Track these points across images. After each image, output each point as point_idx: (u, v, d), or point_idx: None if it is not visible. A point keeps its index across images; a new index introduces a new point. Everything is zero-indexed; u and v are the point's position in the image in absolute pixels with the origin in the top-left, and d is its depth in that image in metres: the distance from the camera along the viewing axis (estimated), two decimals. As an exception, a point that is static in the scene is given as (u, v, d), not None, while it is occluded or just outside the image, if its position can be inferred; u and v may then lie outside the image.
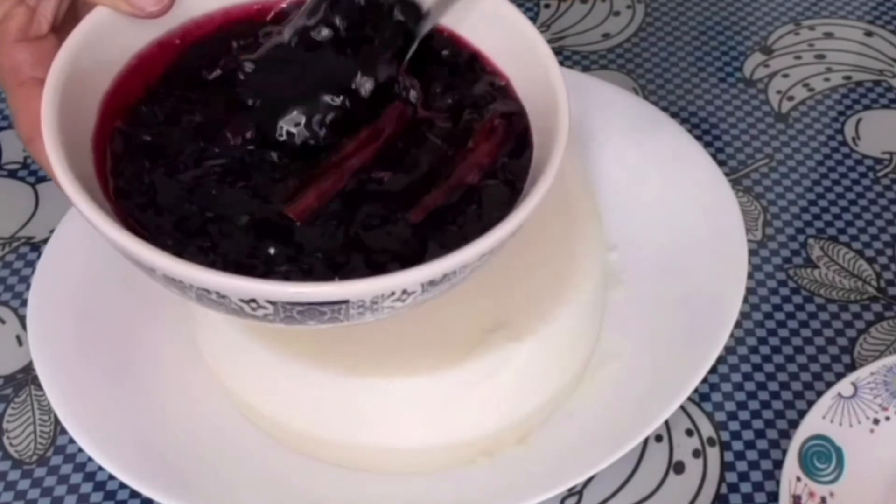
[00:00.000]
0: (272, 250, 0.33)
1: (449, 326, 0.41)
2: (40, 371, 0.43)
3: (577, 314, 0.43)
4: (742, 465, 0.45)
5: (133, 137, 0.37)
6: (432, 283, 0.32)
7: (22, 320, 0.50)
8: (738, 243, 0.47)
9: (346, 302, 0.32)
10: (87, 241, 0.47)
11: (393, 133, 0.38)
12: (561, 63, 0.62)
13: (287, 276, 0.33)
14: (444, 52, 0.40)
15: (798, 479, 0.41)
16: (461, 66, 0.40)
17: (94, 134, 0.36)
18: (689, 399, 0.47)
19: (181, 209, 0.35)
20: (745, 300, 0.50)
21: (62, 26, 0.38)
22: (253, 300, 0.31)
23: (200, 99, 0.38)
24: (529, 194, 0.34)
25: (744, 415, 0.46)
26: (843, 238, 0.53)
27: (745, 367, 0.48)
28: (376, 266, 0.34)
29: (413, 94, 0.39)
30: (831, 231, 0.54)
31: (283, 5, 0.41)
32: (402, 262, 0.33)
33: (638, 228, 0.50)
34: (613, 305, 0.48)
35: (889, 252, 0.53)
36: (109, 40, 0.37)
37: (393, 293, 0.32)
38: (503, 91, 0.39)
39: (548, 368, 0.43)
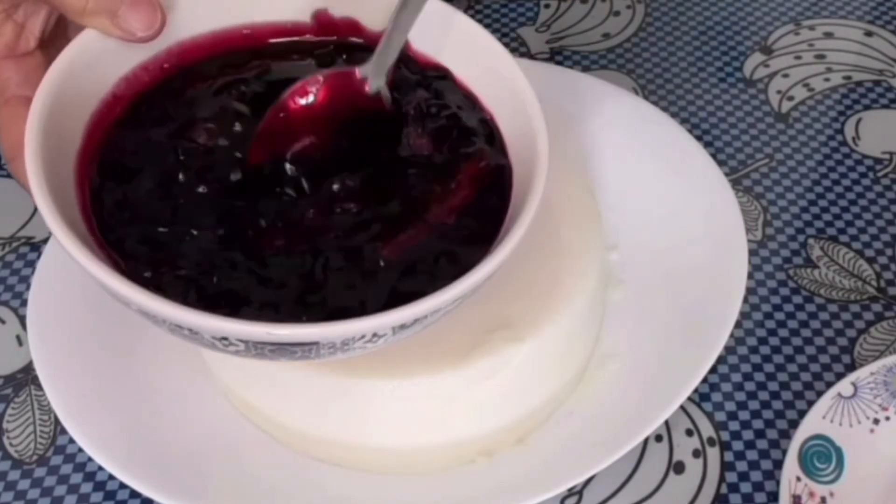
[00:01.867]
0: (245, 285, 0.33)
1: (448, 327, 0.41)
2: (40, 371, 0.43)
3: (577, 315, 0.43)
4: (742, 465, 0.45)
5: (115, 162, 0.37)
6: (403, 326, 0.33)
7: (22, 320, 0.50)
8: (737, 243, 0.47)
9: (316, 343, 0.32)
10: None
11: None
12: (561, 63, 0.63)
13: (259, 312, 0.33)
14: (432, 84, 0.40)
15: (798, 479, 0.41)
16: (450, 96, 0.40)
17: (78, 157, 0.36)
18: (689, 399, 0.47)
19: (158, 237, 0.35)
20: (745, 300, 0.50)
21: (49, 42, 0.38)
22: (225, 338, 0.32)
23: (184, 123, 0.38)
24: (503, 242, 0.34)
25: (744, 415, 0.46)
26: (843, 238, 0.53)
27: (745, 367, 0.48)
28: (345, 307, 0.33)
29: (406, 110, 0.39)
30: (831, 231, 0.54)
31: (271, 40, 0.41)
32: (374, 302, 0.33)
33: (638, 229, 0.50)
34: (613, 306, 0.48)
35: (889, 252, 0.53)
36: (97, 63, 0.37)
37: (363, 336, 0.32)
38: (489, 129, 0.39)
39: (547, 369, 0.43)
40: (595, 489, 0.44)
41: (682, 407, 0.46)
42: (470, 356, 0.40)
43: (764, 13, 0.66)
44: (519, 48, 0.64)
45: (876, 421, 0.44)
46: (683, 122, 0.59)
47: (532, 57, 0.63)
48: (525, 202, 0.35)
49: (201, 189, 0.36)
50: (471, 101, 0.40)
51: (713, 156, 0.57)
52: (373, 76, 0.38)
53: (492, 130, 0.39)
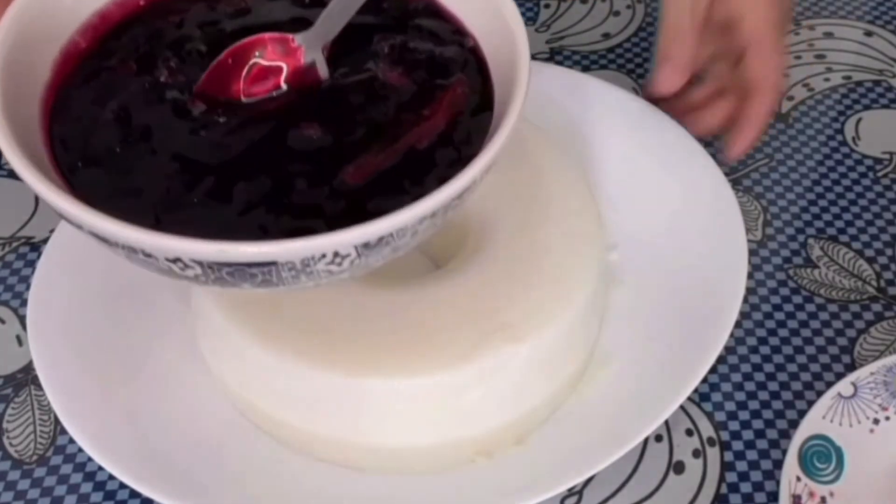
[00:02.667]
0: (203, 211, 0.33)
1: (448, 327, 0.41)
2: (40, 371, 0.43)
3: (577, 315, 0.43)
4: (742, 465, 0.45)
5: (79, 95, 0.37)
6: (367, 245, 0.31)
7: (22, 320, 0.50)
8: (737, 243, 0.47)
9: (274, 263, 0.31)
10: (87, 240, 0.47)
11: (343, 94, 0.37)
12: (561, 63, 0.63)
13: (218, 235, 0.31)
14: (414, 15, 0.40)
15: (798, 478, 0.41)
16: (432, 28, 0.39)
17: (45, 90, 0.36)
18: (689, 399, 0.47)
19: (117, 165, 0.35)
20: (745, 300, 0.50)
21: None
22: (178, 259, 0.31)
23: (150, 53, 0.38)
24: (475, 160, 0.33)
25: (744, 415, 0.46)
26: (843, 238, 0.53)
27: (745, 367, 0.48)
28: (307, 227, 0.32)
29: (381, 49, 0.39)
30: (831, 231, 0.54)
31: None
32: (337, 224, 0.32)
33: (638, 228, 0.50)
34: (613, 305, 0.48)
35: (889, 252, 0.53)
36: (54, 13, 0.37)
37: (324, 255, 0.31)
38: (471, 54, 0.39)
39: (547, 369, 0.43)
40: (595, 489, 0.44)
41: (681, 407, 0.46)
42: (470, 356, 0.40)
43: (764, 13, 0.66)
44: None
45: (876, 421, 0.44)
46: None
47: (532, 57, 0.63)
48: (499, 127, 0.34)
49: (161, 120, 0.36)
50: (455, 27, 0.39)
51: (713, 156, 0.57)
52: (308, 47, 0.38)
53: (474, 58, 0.38)
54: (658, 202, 0.50)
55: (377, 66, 0.38)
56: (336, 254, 0.31)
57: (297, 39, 0.38)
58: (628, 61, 0.63)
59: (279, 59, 0.38)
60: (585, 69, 0.62)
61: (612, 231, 0.49)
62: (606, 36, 0.65)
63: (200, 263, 0.31)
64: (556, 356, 0.43)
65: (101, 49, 0.39)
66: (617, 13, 0.67)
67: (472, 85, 0.38)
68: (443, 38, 0.39)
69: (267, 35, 0.38)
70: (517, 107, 0.34)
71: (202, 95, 0.37)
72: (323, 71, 0.38)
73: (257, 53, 0.38)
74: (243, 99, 0.37)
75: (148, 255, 0.31)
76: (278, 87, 0.38)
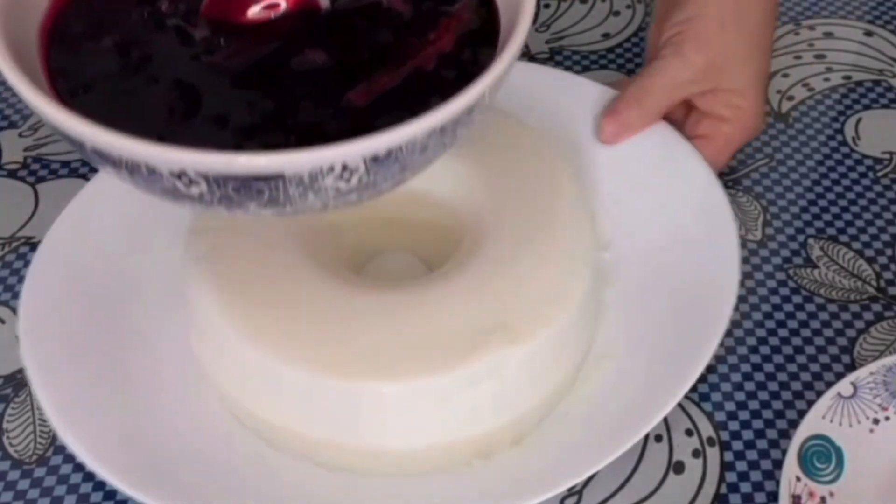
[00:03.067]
0: (207, 129, 0.33)
1: (444, 329, 0.41)
2: (33, 377, 0.43)
3: (572, 316, 0.43)
4: (742, 465, 0.45)
5: (76, 20, 0.37)
6: (376, 159, 0.31)
7: (22, 320, 0.50)
8: (729, 242, 0.47)
9: (281, 177, 0.30)
10: (79, 241, 0.47)
11: (347, 18, 0.37)
12: (561, 63, 0.63)
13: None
14: None
15: (798, 478, 0.41)
16: None
17: (44, 17, 0.36)
18: (689, 399, 0.47)
19: (117, 88, 0.34)
20: (745, 300, 0.50)
21: None
22: (184, 173, 0.30)
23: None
24: (483, 75, 0.32)
25: (744, 415, 0.46)
26: (843, 238, 0.53)
27: (745, 367, 0.48)
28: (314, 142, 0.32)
29: None
30: (831, 231, 0.54)
31: None
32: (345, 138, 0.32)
33: (631, 228, 0.49)
34: (607, 305, 0.47)
35: (889, 252, 0.53)
36: None
37: (332, 168, 0.31)
38: None
39: (543, 370, 0.43)
40: (595, 489, 0.44)
41: (681, 407, 0.46)
42: (465, 358, 0.40)
43: (764, 13, 0.66)
44: None
45: (876, 421, 0.44)
46: (683, 121, 0.59)
47: (532, 57, 0.63)
48: (506, 45, 0.34)
49: (161, 47, 0.36)
50: None
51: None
52: None
53: None
54: (650, 202, 0.50)
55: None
56: (345, 167, 0.31)
57: None
58: (628, 61, 0.63)
59: None
60: (585, 69, 0.62)
61: (605, 231, 0.49)
62: (606, 36, 0.65)
63: (206, 178, 0.30)
64: (551, 357, 0.43)
65: None
66: (617, 13, 0.67)
67: (476, 10, 0.37)
68: None
69: None
70: (524, 27, 0.35)
71: (204, 20, 0.37)
72: (324, 2, 0.38)
73: None
74: (246, 20, 0.37)
75: (152, 171, 0.30)
76: (279, 11, 0.37)
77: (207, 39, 0.36)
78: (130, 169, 0.31)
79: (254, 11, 0.37)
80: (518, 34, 0.34)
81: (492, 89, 0.33)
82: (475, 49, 0.36)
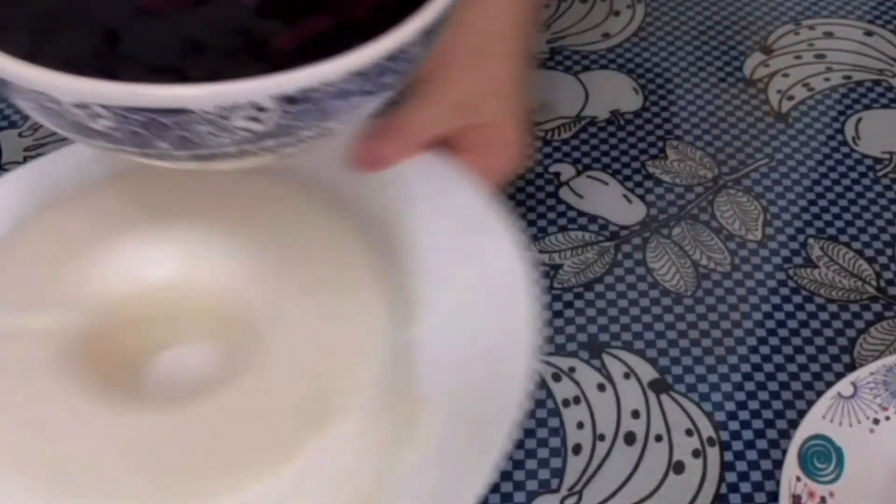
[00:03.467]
0: (119, 58, 0.32)
1: (247, 436, 0.37)
2: None
3: (371, 402, 0.39)
4: (742, 465, 0.45)
5: None
6: (290, 100, 0.30)
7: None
8: (524, 321, 0.42)
9: (187, 111, 0.29)
10: None
11: None
12: (560, 63, 0.63)
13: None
14: None
15: (798, 478, 0.42)
16: None
17: None
18: (689, 399, 0.47)
19: (38, 17, 0.33)
20: (746, 300, 0.50)
21: None
22: (85, 104, 0.29)
23: None
24: (405, 23, 0.31)
25: (744, 415, 0.46)
26: (843, 238, 0.53)
27: (745, 367, 0.48)
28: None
29: None
30: (831, 231, 0.54)
31: None
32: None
33: (435, 303, 0.44)
34: (416, 384, 0.42)
35: (889, 252, 0.53)
36: None
37: (241, 105, 0.29)
38: None
39: (348, 461, 0.38)
40: (595, 489, 0.44)
41: (681, 407, 0.46)
42: (278, 461, 0.36)
43: (764, 13, 0.66)
44: None
45: (876, 421, 0.44)
46: (683, 121, 0.59)
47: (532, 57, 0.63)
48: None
49: None
50: None
51: (713, 156, 0.57)
52: None
53: None
54: (454, 276, 0.45)
55: None
56: (256, 106, 0.30)
57: None
58: (628, 61, 0.63)
59: None
60: (585, 69, 0.62)
61: (409, 307, 0.44)
62: (606, 36, 0.65)
63: (110, 110, 0.29)
64: (354, 447, 0.38)
65: None
66: (617, 13, 0.67)
67: None
68: None
69: None
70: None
71: None
72: None
73: None
74: None
75: (55, 101, 0.29)
76: None
77: None
78: (35, 96, 0.30)
79: None
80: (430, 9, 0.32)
81: (418, 38, 0.31)
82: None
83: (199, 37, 0.33)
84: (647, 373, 0.48)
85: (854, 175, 0.57)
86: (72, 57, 0.31)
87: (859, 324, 0.50)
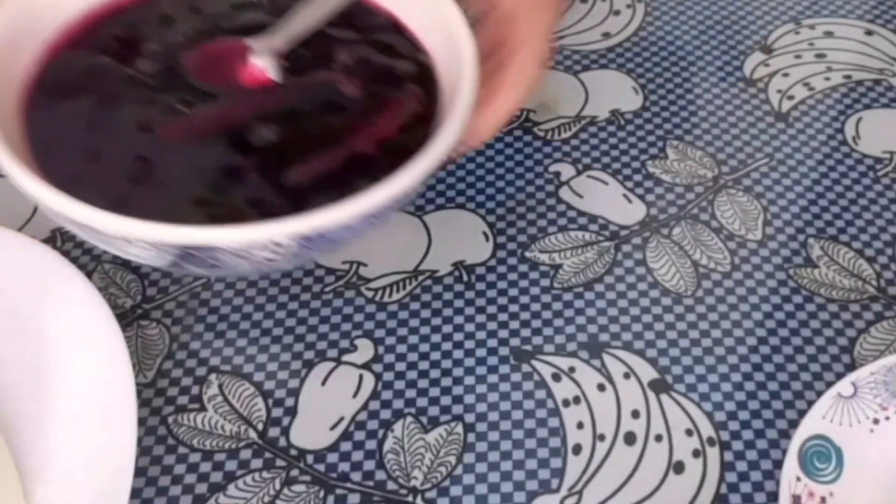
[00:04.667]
0: (157, 191, 0.36)
1: None
2: None
3: None
4: (742, 465, 0.45)
5: (57, 81, 0.40)
6: (305, 237, 0.34)
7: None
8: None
9: (216, 248, 0.33)
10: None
11: (299, 95, 0.40)
12: (560, 63, 0.63)
13: (169, 216, 0.34)
14: (379, 31, 0.42)
15: (798, 478, 0.42)
16: (394, 44, 0.42)
17: (26, 80, 0.39)
18: (689, 399, 0.47)
19: (84, 144, 0.37)
20: (745, 300, 0.50)
21: None
22: (125, 238, 0.33)
23: (125, 50, 0.41)
24: (411, 166, 0.35)
25: (744, 415, 0.46)
26: (843, 237, 0.53)
27: (745, 367, 0.48)
28: (250, 214, 0.35)
29: (343, 60, 0.41)
30: (831, 231, 0.54)
31: None
32: (273, 215, 0.34)
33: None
34: None
35: (889, 252, 0.53)
36: (40, 11, 0.40)
37: (263, 243, 0.33)
38: (424, 74, 0.41)
39: None
40: (594, 489, 0.44)
41: (681, 407, 0.46)
42: None
43: (764, 12, 0.66)
44: None
45: (876, 421, 0.44)
46: (683, 121, 0.59)
47: (532, 56, 0.63)
48: (437, 138, 0.36)
49: (125, 113, 0.39)
50: (413, 43, 0.42)
51: (713, 156, 0.57)
52: (259, 51, 0.40)
53: (426, 75, 0.41)
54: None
55: (335, 74, 0.40)
56: (275, 242, 0.33)
57: (252, 44, 0.40)
58: (628, 61, 0.63)
59: (238, 61, 0.40)
60: (585, 69, 0.62)
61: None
62: (606, 35, 0.65)
63: (151, 244, 0.33)
64: None
65: (75, 45, 0.41)
66: (617, 13, 0.67)
67: (422, 98, 0.40)
68: (400, 52, 0.41)
69: (230, 41, 0.41)
70: (457, 119, 0.36)
71: (176, 76, 0.40)
72: (274, 75, 0.40)
73: (220, 54, 0.41)
74: (204, 90, 0.40)
75: (98, 232, 0.34)
76: (236, 85, 0.40)
77: (172, 106, 0.39)
78: (88, 232, 0.35)
79: (214, 87, 0.40)
80: (450, 127, 0.36)
81: (419, 180, 0.35)
82: (414, 136, 0.38)
83: (223, 169, 0.37)
84: (647, 373, 0.48)
85: (854, 175, 0.57)
86: (108, 189, 0.36)
87: (859, 324, 0.50)
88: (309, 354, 0.49)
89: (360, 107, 0.39)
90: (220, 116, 0.39)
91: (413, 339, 0.49)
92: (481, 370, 0.48)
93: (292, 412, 0.47)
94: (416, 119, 0.39)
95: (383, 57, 0.41)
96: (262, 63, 0.40)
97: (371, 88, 0.40)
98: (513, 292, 0.51)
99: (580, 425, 0.46)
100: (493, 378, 0.48)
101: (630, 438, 0.46)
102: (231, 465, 0.45)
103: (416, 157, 0.35)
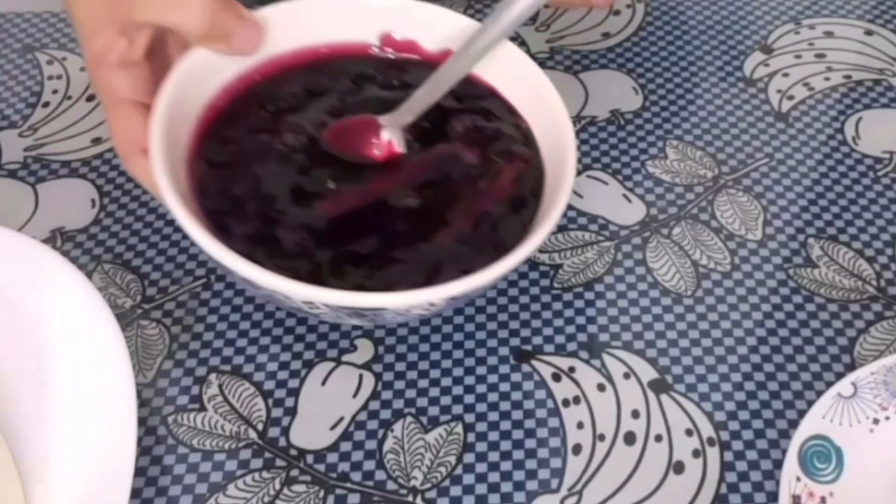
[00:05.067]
0: (322, 256, 0.41)
1: None
2: None
3: None
4: (742, 465, 0.45)
5: (216, 155, 0.44)
6: (453, 297, 0.39)
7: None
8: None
9: (384, 309, 0.40)
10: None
11: (431, 167, 0.45)
12: (560, 62, 0.63)
13: (341, 284, 0.40)
14: (480, 99, 0.48)
15: (798, 479, 0.42)
16: (495, 111, 0.47)
17: (188, 154, 0.43)
18: (689, 399, 0.47)
19: (252, 215, 0.42)
20: (745, 300, 0.50)
21: (152, 53, 0.43)
22: (311, 302, 0.39)
23: (271, 125, 0.45)
24: (534, 233, 0.41)
25: (744, 415, 0.46)
26: (843, 237, 0.53)
27: (745, 367, 0.48)
28: (405, 280, 0.41)
29: (457, 129, 0.46)
30: (831, 230, 0.54)
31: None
32: (427, 276, 0.41)
33: None
34: None
35: (889, 252, 0.53)
36: (203, 74, 0.44)
37: (421, 304, 0.39)
38: (526, 136, 0.46)
39: None
40: (595, 489, 0.44)
41: (681, 407, 0.47)
42: None
43: (764, 12, 0.66)
44: (519, 47, 0.64)
45: (876, 421, 0.44)
46: (683, 121, 0.59)
47: (532, 56, 0.63)
48: (556, 195, 0.42)
49: (292, 181, 0.43)
50: (511, 112, 0.47)
51: (713, 156, 0.57)
52: (388, 126, 0.45)
53: (529, 137, 0.46)
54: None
55: (456, 144, 0.45)
56: (431, 303, 0.40)
57: (382, 120, 0.45)
58: (628, 61, 0.63)
59: (369, 135, 0.45)
60: (585, 69, 0.62)
61: None
62: (606, 35, 0.65)
63: (329, 306, 0.39)
64: None
65: (228, 119, 0.45)
66: (617, 12, 0.67)
67: (529, 157, 0.45)
68: (501, 117, 0.47)
69: (362, 116, 0.46)
70: (567, 186, 0.42)
71: (314, 161, 0.44)
72: (400, 147, 0.45)
73: (353, 128, 0.46)
74: (348, 162, 0.45)
75: (287, 297, 0.39)
76: (374, 159, 0.45)
77: (318, 181, 0.44)
78: (269, 294, 0.40)
79: (353, 159, 0.45)
80: (557, 204, 0.42)
81: (542, 241, 0.41)
82: (529, 192, 0.44)
83: (381, 233, 0.42)
84: (647, 373, 0.48)
85: (854, 175, 0.57)
86: (286, 254, 0.41)
87: (859, 324, 0.50)
88: (309, 354, 0.49)
89: (480, 171, 0.45)
90: (369, 191, 0.44)
91: (413, 339, 0.49)
92: (481, 370, 0.48)
93: (292, 412, 0.47)
94: (527, 175, 0.45)
95: (490, 123, 0.46)
96: (392, 137, 0.45)
97: (486, 153, 0.45)
98: (512, 292, 0.51)
99: (580, 425, 0.46)
100: (493, 378, 0.48)
101: (630, 438, 0.46)
102: (231, 465, 0.45)
103: (545, 215, 0.42)
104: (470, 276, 0.39)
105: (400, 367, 0.48)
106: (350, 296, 0.38)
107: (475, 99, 0.47)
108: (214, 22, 0.42)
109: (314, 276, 0.40)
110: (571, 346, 0.49)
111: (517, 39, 0.64)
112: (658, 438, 0.46)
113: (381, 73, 0.48)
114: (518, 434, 0.46)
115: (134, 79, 0.42)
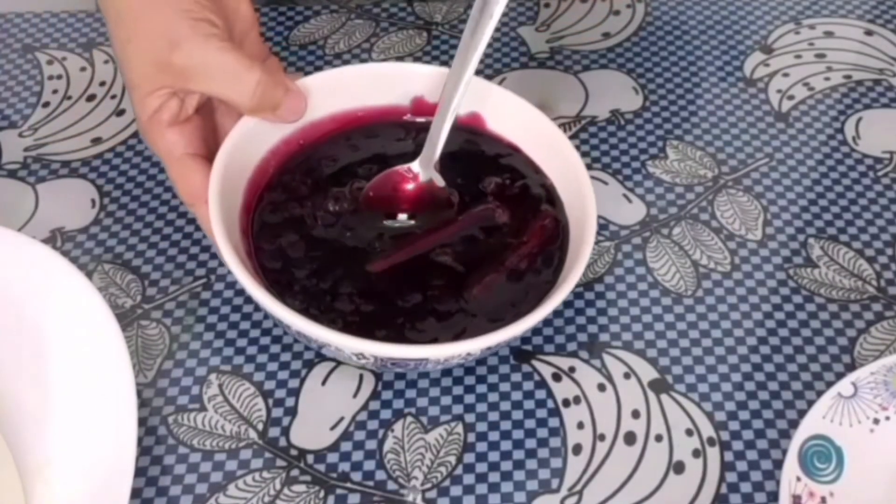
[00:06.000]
0: (368, 309, 0.45)
1: None
2: None
3: None
4: (742, 465, 0.45)
5: (266, 212, 0.48)
6: (488, 348, 0.43)
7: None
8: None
9: (426, 359, 0.43)
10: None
11: (468, 225, 0.49)
12: (560, 62, 0.63)
13: (385, 336, 0.44)
14: (505, 157, 0.51)
15: (798, 479, 0.42)
16: (521, 168, 0.51)
17: (241, 210, 0.47)
18: (689, 399, 0.47)
19: (303, 271, 0.46)
20: (745, 300, 0.50)
21: (201, 109, 0.47)
22: (361, 354, 0.42)
23: (313, 186, 0.49)
24: (560, 288, 0.44)
25: (744, 415, 0.46)
26: (843, 237, 0.53)
27: (745, 367, 0.48)
28: (444, 334, 0.44)
29: (488, 187, 0.50)
30: (831, 230, 0.54)
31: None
32: (463, 327, 0.44)
33: None
34: None
35: (889, 252, 0.53)
36: (253, 138, 0.48)
37: (459, 355, 0.43)
38: (550, 192, 0.50)
39: None
40: (595, 489, 0.44)
41: (681, 407, 0.47)
42: None
43: (764, 12, 0.66)
44: (519, 48, 0.64)
45: (876, 421, 0.44)
46: (683, 121, 0.59)
47: (532, 56, 0.63)
48: (580, 250, 0.45)
49: (338, 242, 0.47)
50: (535, 170, 0.50)
51: (713, 156, 0.57)
52: (422, 169, 0.49)
53: (552, 194, 0.50)
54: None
55: (492, 204, 0.49)
56: (469, 353, 0.43)
57: (414, 166, 0.49)
58: (628, 61, 0.63)
59: (409, 183, 0.49)
60: (585, 69, 0.62)
61: None
62: (606, 35, 0.65)
63: (376, 357, 0.42)
64: None
65: (275, 182, 0.50)
66: (617, 13, 0.67)
67: (554, 215, 0.49)
68: (528, 176, 0.50)
69: (394, 170, 0.49)
70: (590, 240, 0.45)
71: (358, 223, 0.48)
72: (440, 182, 0.49)
73: (389, 182, 0.49)
74: (390, 222, 0.49)
75: (339, 350, 0.43)
76: (413, 209, 0.49)
77: (371, 241, 0.47)
78: (320, 345, 0.43)
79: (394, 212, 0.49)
80: (586, 244, 0.45)
81: (565, 296, 0.44)
82: (555, 250, 0.48)
83: (422, 288, 0.46)
84: (647, 373, 0.48)
85: (854, 175, 0.57)
86: (340, 311, 0.45)
87: (859, 324, 0.50)
88: (309, 354, 0.49)
89: (511, 229, 0.48)
90: (413, 249, 0.47)
91: (413, 339, 0.49)
92: (481, 370, 0.48)
93: (292, 412, 0.47)
94: (552, 232, 0.48)
95: (517, 181, 0.50)
96: (430, 176, 0.49)
97: (516, 212, 0.49)
98: (513, 292, 0.51)
99: (580, 425, 0.46)
100: (493, 378, 0.48)
101: (630, 438, 0.46)
102: (231, 465, 0.45)
103: (570, 267, 0.45)
104: (508, 326, 0.42)
105: (400, 367, 0.48)
106: (396, 348, 0.42)
107: (500, 157, 0.51)
108: (265, 96, 0.46)
109: (363, 330, 0.43)
110: (571, 346, 0.49)
111: (516, 39, 0.64)
112: (658, 438, 0.46)
113: (413, 137, 0.52)
114: (518, 434, 0.46)
115: (188, 135, 0.46)
